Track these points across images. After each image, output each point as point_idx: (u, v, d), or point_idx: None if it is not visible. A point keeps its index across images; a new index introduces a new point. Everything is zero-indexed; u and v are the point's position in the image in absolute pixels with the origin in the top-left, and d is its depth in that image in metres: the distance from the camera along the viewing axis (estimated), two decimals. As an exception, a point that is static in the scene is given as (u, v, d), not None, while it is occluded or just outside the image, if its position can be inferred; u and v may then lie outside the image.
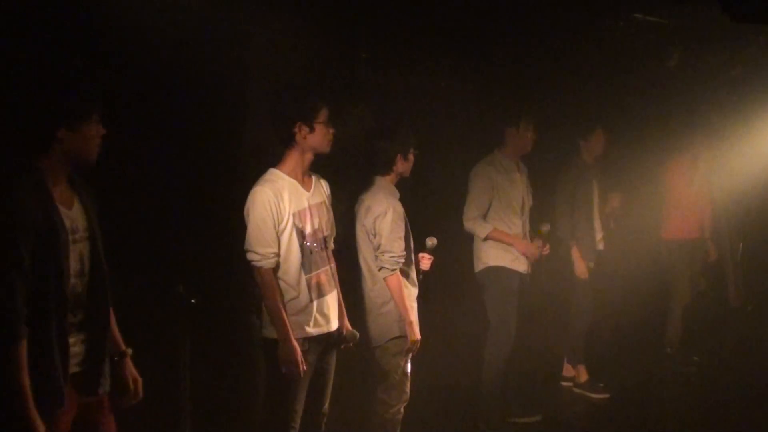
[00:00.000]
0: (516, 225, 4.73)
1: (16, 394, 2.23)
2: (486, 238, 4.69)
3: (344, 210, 3.82)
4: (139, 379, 2.74)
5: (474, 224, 4.70)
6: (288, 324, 3.24)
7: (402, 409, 3.90)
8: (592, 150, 5.41)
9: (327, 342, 3.44)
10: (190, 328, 3.29)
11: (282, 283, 3.28)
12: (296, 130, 3.27)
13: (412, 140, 3.89)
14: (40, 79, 2.40)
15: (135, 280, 3.35)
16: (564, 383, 5.60)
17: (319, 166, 3.47)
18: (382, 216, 3.74)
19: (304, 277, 3.29)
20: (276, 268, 3.27)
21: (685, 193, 5.92)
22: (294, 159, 3.33)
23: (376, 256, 3.77)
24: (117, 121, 2.59)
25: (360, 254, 3.84)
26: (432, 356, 4.40)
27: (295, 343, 3.24)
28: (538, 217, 4.90)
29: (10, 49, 2.92)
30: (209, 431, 3.73)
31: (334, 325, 3.45)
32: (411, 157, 3.89)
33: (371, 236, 3.78)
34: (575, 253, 5.27)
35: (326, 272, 3.39)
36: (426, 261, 4.02)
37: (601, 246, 5.48)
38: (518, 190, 4.76)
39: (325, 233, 3.40)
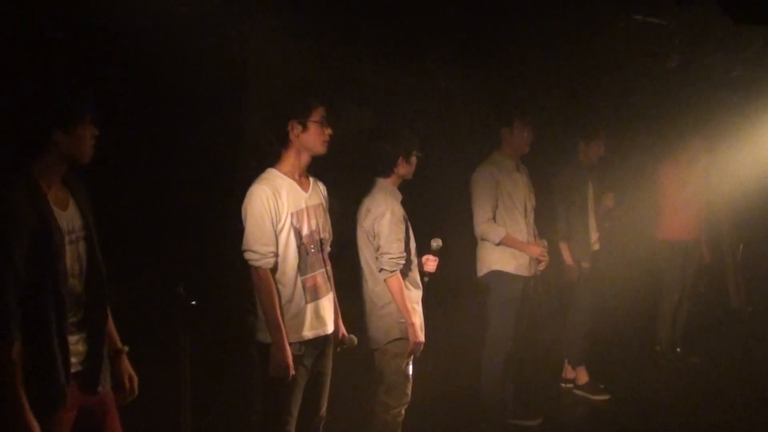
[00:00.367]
0: (521, 225, 4.70)
1: (10, 396, 2.21)
2: (499, 244, 4.63)
3: (344, 211, 3.81)
4: (135, 377, 2.73)
5: (488, 228, 4.61)
6: (283, 327, 3.19)
7: (403, 411, 3.88)
8: (592, 152, 5.40)
9: (323, 345, 3.41)
10: (190, 328, 3.28)
11: (278, 285, 3.23)
12: (289, 128, 3.23)
13: (415, 142, 3.85)
14: (35, 81, 2.39)
15: (135, 280, 3.33)
16: (564, 385, 5.59)
17: (320, 167, 3.45)
18: (381, 217, 3.73)
19: (299, 279, 3.25)
20: (274, 268, 3.22)
21: (680, 194, 5.91)
22: (291, 159, 3.29)
23: (377, 258, 3.76)
24: (116, 121, 2.57)
25: (361, 256, 3.83)
26: (433, 358, 4.38)
27: (288, 348, 3.18)
28: (537, 218, 4.88)
29: (5, 51, 2.90)
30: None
31: (330, 328, 3.41)
32: (413, 159, 3.85)
33: (371, 238, 3.77)
34: (565, 254, 5.25)
35: (322, 275, 3.35)
36: (431, 263, 3.98)
37: (596, 246, 5.47)
38: (520, 190, 4.72)
39: (322, 235, 3.36)
